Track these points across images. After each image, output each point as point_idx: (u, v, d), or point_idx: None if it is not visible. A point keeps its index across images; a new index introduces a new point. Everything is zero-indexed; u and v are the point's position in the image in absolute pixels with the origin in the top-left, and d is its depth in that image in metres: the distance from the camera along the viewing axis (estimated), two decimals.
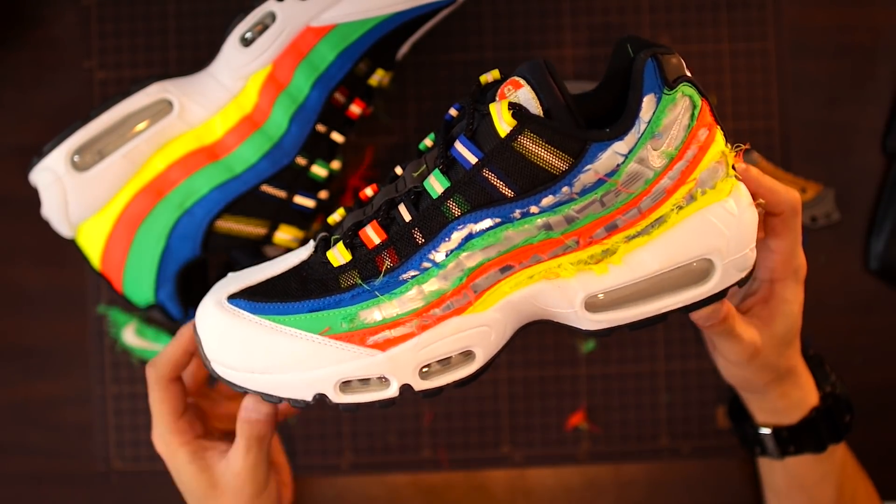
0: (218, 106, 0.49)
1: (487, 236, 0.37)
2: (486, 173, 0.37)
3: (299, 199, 0.51)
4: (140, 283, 0.50)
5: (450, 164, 0.38)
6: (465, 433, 0.57)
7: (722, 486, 0.58)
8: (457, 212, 0.38)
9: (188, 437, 0.44)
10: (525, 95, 0.37)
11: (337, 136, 0.51)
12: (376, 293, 0.38)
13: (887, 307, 0.58)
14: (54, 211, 0.49)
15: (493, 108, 0.37)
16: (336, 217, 0.43)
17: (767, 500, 0.55)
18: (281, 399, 0.40)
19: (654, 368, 0.57)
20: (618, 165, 0.36)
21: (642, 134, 0.36)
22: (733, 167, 0.38)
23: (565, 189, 0.37)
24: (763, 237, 0.43)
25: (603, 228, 0.37)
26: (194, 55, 0.57)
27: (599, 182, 0.36)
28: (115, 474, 0.57)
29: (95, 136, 0.48)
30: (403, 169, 0.42)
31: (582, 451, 0.58)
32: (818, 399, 0.49)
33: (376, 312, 0.38)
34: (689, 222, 0.37)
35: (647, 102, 0.36)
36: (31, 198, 0.51)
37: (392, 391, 0.39)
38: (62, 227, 0.49)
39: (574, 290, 0.38)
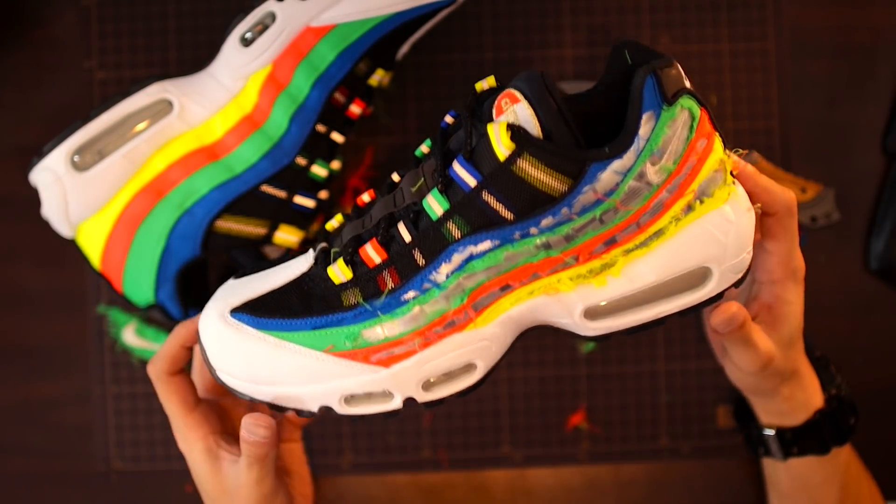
0: (218, 106, 0.49)
1: (488, 258, 0.38)
2: (486, 196, 0.37)
3: (299, 199, 0.51)
4: (140, 283, 0.50)
5: (448, 184, 0.38)
6: (465, 433, 0.57)
7: (722, 486, 0.58)
8: (457, 234, 0.38)
9: (203, 430, 0.44)
10: (523, 112, 0.36)
11: (337, 136, 0.51)
12: (378, 313, 0.39)
13: (887, 307, 0.58)
14: (54, 211, 0.49)
15: (490, 129, 0.36)
16: (334, 223, 0.43)
17: (771, 500, 0.55)
18: (286, 409, 0.41)
19: (654, 368, 0.57)
20: (617, 184, 0.36)
21: (641, 152, 0.36)
22: (731, 174, 0.38)
23: (564, 210, 0.36)
24: (759, 239, 0.42)
25: (602, 244, 0.37)
26: (194, 55, 0.57)
27: (598, 202, 0.36)
28: (115, 474, 0.57)
29: (95, 136, 0.48)
30: (401, 176, 0.42)
31: (582, 451, 0.58)
32: (823, 401, 0.49)
33: (379, 331, 0.39)
34: (688, 232, 0.37)
35: (646, 119, 0.36)
36: (31, 198, 0.51)
37: (396, 404, 0.40)
38: (62, 227, 0.49)
39: (573, 302, 0.39)
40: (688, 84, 0.37)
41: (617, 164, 0.36)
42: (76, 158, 0.48)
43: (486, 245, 0.37)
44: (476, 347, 0.40)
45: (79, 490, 0.57)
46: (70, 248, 0.55)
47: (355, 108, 0.50)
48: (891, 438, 0.58)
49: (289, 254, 0.44)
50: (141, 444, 0.57)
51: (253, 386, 0.40)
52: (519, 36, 0.57)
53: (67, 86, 0.57)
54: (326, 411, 0.41)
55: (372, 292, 0.39)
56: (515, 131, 0.36)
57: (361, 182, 0.57)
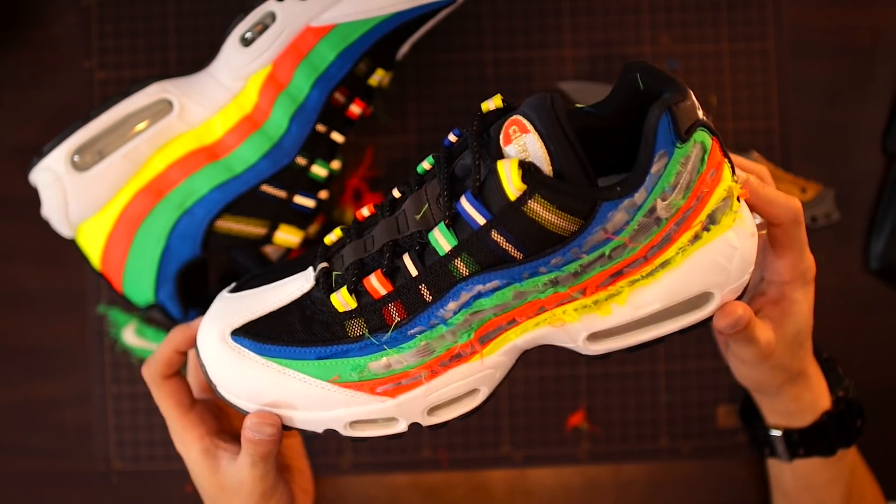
0: (218, 106, 0.49)
1: (496, 296, 0.37)
2: (495, 235, 0.36)
3: (299, 199, 0.51)
4: (140, 283, 0.50)
5: (455, 218, 0.37)
6: (465, 433, 0.57)
7: (722, 486, 0.58)
8: (465, 271, 0.37)
9: (200, 432, 0.44)
10: (533, 145, 0.35)
11: (337, 136, 0.51)
12: (384, 346, 0.39)
13: (887, 307, 0.58)
14: (54, 211, 0.49)
15: (501, 167, 0.35)
16: (332, 237, 0.42)
17: (775, 500, 0.55)
18: (290, 428, 0.41)
19: (654, 368, 0.57)
20: (627, 222, 0.35)
21: (653, 189, 0.35)
22: (738, 199, 0.37)
23: (574, 249, 0.36)
24: (765, 239, 0.43)
25: (609, 277, 0.37)
26: (194, 55, 0.57)
27: (608, 240, 0.36)
28: (115, 474, 0.57)
29: (95, 136, 0.48)
30: (402, 193, 0.41)
31: (582, 451, 0.58)
32: (830, 403, 0.49)
33: (385, 363, 0.39)
34: (693, 260, 0.37)
35: (659, 157, 0.35)
36: (31, 198, 0.51)
37: (401, 428, 0.41)
38: (62, 227, 0.49)
39: (578, 330, 0.39)
40: (701, 114, 0.36)
41: (628, 203, 0.35)
42: (76, 158, 0.48)
43: (494, 283, 0.37)
44: (481, 376, 0.40)
45: (79, 490, 0.57)
46: (70, 248, 0.55)
47: (355, 108, 0.50)
48: (891, 438, 0.58)
49: (288, 254, 0.44)
50: (141, 444, 0.57)
51: (256, 406, 0.41)
52: (519, 36, 0.57)
53: (67, 86, 0.57)
54: (331, 433, 0.41)
55: (377, 325, 0.39)
56: (527, 171, 0.35)
57: (361, 182, 0.57)
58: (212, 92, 0.49)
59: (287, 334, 0.40)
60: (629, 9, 0.57)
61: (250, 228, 0.50)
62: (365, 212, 0.42)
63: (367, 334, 0.39)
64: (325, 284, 0.40)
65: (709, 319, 0.39)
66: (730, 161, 0.37)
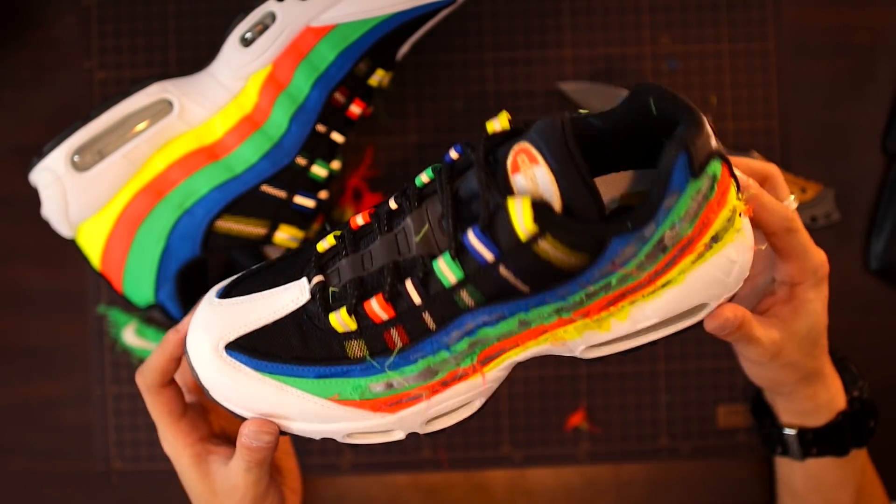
0: (218, 106, 0.49)
1: (502, 325, 0.37)
2: (503, 271, 0.35)
3: (299, 199, 0.51)
4: (140, 283, 0.50)
5: (461, 250, 0.36)
6: (465, 433, 0.57)
7: (722, 486, 0.58)
8: (471, 303, 0.37)
9: (191, 438, 0.44)
10: (543, 178, 0.34)
11: (337, 136, 0.51)
12: (386, 369, 0.38)
13: (887, 307, 0.58)
14: (54, 211, 0.49)
15: (512, 206, 0.34)
16: (325, 245, 0.41)
17: (782, 499, 0.54)
18: (287, 434, 0.41)
19: (654, 368, 0.57)
20: (634, 254, 0.35)
21: (663, 223, 0.35)
22: (740, 215, 0.37)
23: (582, 282, 0.36)
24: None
25: (612, 300, 0.37)
26: (194, 55, 0.57)
27: (615, 271, 0.36)
28: (115, 474, 0.57)
29: (95, 136, 0.48)
30: (398, 205, 0.39)
31: (582, 451, 0.58)
32: (845, 403, 0.49)
33: (386, 383, 0.39)
34: (693, 277, 0.37)
35: (673, 193, 0.34)
36: (31, 198, 0.51)
37: (398, 436, 0.41)
38: (62, 227, 0.49)
39: (577, 344, 0.39)
40: (714, 143, 0.35)
41: (637, 236, 0.35)
42: (76, 158, 0.48)
43: (500, 314, 0.37)
44: (481, 390, 0.40)
45: (79, 490, 0.57)
46: (70, 248, 0.55)
47: (355, 108, 0.50)
48: (891, 438, 0.58)
49: (288, 252, 0.44)
50: (141, 444, 0.57)
51: (252, 414, 0.41)
52: (519, 36, 0.57)
53: (67, 86, 0.57)
54: (328, 440, 0.41)
55: (379, 348, 0.38)
56: (539, 211, 0.34)
57: (361, 182, 0.57)
58: (212, 92, 0.49)
59: (284, 351, 0.39)
60: (629, 9, 0.57)
61: (250, 228, 0.50)
62: (359, 220, 0.40)
63: (368, 357, 0.38)
64: (322, 300, 0.39)
65: (700, 323, 0.40)
66: (736, 181, 0.37)
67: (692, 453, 0.57)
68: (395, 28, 0.48)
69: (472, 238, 0.35)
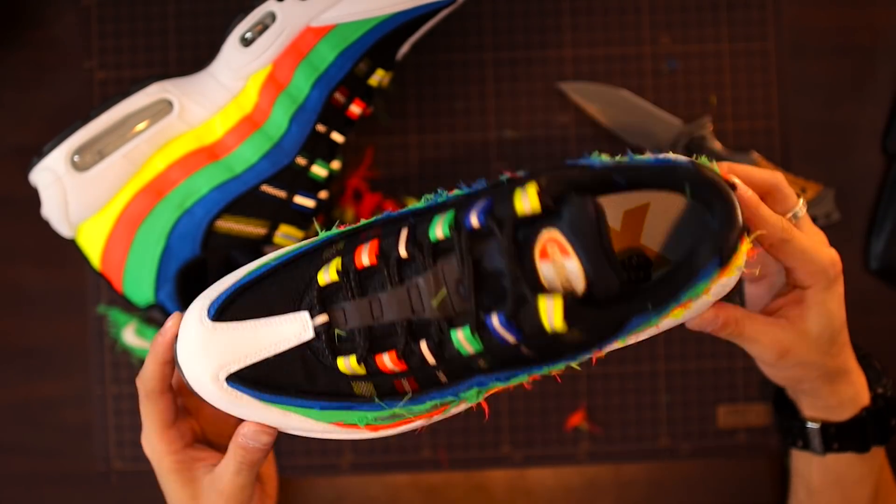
0: (218, 106, 0.49)
1: (513, 380, 0.38)
2: (524, 350, 0.36)
3: (299, 199, 0.51)
4: (140, 283, 0.50)
5: (481, 327, 0.36)
6: (465, 433, 0.57)
7: (722, 486, 0.58)
8: (485, 367, 0.37)
9: (177, 446, 0.43)
10: (574, 271, 0.34)
11: (337, 136, 0.51)
12: (395, 410, 0.38)
13: (887, 307, 0.58)
14: (54, 211, 0.49)
15: (543, 305, 0.34)
16: (326, 279, 0.38)
17: (797, 494, 0.54)
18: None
19: (654, 368, 0.57)
20: (649, 321, 0.36)
21: (681, 300, 0.35)
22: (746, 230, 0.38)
23: (595, 350, 0.37)
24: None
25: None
26: (194, 55, 0.57)
27: (629, 336, 0.37)
28: (115, 474, 0.57)
29: (95, 136, 0.48)
30: (408, 253, 0.37)
31: (582, 451, 0.58)
32: (869, 399, 0.49)
33: (391, 414, 0.39)
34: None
35: (697, 282, 0.35)
36: (31, 198, 0.51)
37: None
38: (62, 227, 0.49)
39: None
40: (741, 220, 0.35)
41: (656, 312, 0.35)
42: (76, 158, 0.48)
43: (512, 374, 0.37)
44: (475, 403, 0.41)
45: (79, 490, 0.57)
46: (70, 248, 0.55)
47: (355, 108, 0.50)
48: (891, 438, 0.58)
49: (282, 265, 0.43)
50: (141, 444, 0.57)
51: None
52: (519, 36, 0.57)
53: (67, 86, 0.57)
54: (328, 440, 0.42)
55: (388, 392, 0.38)
56: (569, 310, 0.34)
57: (361, 182, 0.57)
58: (212, 92, 0.49)
59: (289, 384, 0.39)
60: (629, 9, 0.57)
61: (250, 228, 0.50)
62: (364, 259, 0.38)
63: (376, 399, 0.38)
64: (328, 341, 0.38)
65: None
66: (748, 233, 0.36)
67: (692, 453, 0.58)
68: (395, 28, 0.48)
69: (496, 322, 0.35)
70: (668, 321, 0.38)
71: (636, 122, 0.57)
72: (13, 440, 0.57)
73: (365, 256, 0.38)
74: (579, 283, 0.34)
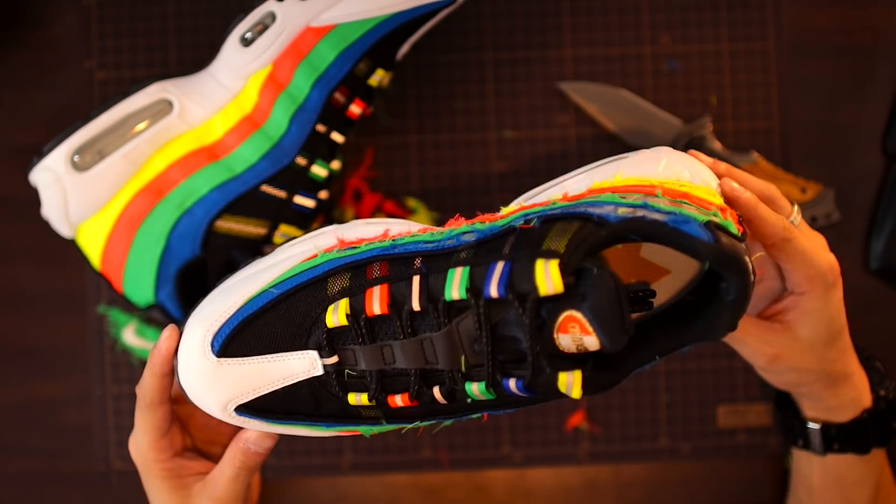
0: (218, 106, 0.49)
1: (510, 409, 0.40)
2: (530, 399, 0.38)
3: (299, 199, 0.51)
4: (140, 283, 0.50)
5: (496, 384, 0.37)
6: (465, 433, 0.57)
7: (721, 486, 0.58)
8: (492, 405, 0.39)
9: (167, 454, 0.43)
10: (592, 345, 0.35)
11: (337, 136, 0.51)
12: (400, 429, 0.40)
13: (887, 307, 0.58)
14: (54, 211, 0.49)
15: (563, 380, 0.35)
16: (335, 321, 0.38)
17: (797, 494, 0.54)
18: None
19: (654, 368, 0.57)
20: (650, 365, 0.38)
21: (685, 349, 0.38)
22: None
23: None
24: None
25: None
26: (194, 55, 0.57)
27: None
28: (115, 474, 0.57)
29: (95, 136, 0.48)
30: (422, 308, 0.37)
31: (582, 451, 0.58)
32: (871, 401, 0.49)
33: (396, 428, 0.41)
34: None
35: (706, 342, 0.37)
36: (31, 198, 0.51)
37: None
38: (62, 227, 0.49)
39: None
40: (753, 277, 0.35)
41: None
42: (76, 158, 0.48)
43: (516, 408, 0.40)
44: None
45: (79, 490, 0.57)
46: (70, 248, 0.55)
47: (355, 108, 0.50)
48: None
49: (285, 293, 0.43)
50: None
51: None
52: (519, 36, 0.57)
53: (67, 86, 0.57)
54: (329, 440, 0.43)
55: (395, 416, 0.40)
56: (587, 383, 0.36)
57: (361, 182, 0.57)
58: (212, 92, 0.49)
59: (297, 409, 0.40)
60: (629, 9, 0.57)
61: (250, 228, 0.50)
62: (375, 308, 0.37)
63: (383, 421, 0.40)
64: (338, 378, 0.39)
65: None
66: (754, 275, 0.36)
67: (692, 453, 0.58)
68: (395, 28, 0.48)
69: (513, 385, 0.37)
70: None
71: (636, 122, 0.57)
72: (13, 440, 0.57)
73: (376, 304, 0.37)
74: (593, 348, 0.36)
